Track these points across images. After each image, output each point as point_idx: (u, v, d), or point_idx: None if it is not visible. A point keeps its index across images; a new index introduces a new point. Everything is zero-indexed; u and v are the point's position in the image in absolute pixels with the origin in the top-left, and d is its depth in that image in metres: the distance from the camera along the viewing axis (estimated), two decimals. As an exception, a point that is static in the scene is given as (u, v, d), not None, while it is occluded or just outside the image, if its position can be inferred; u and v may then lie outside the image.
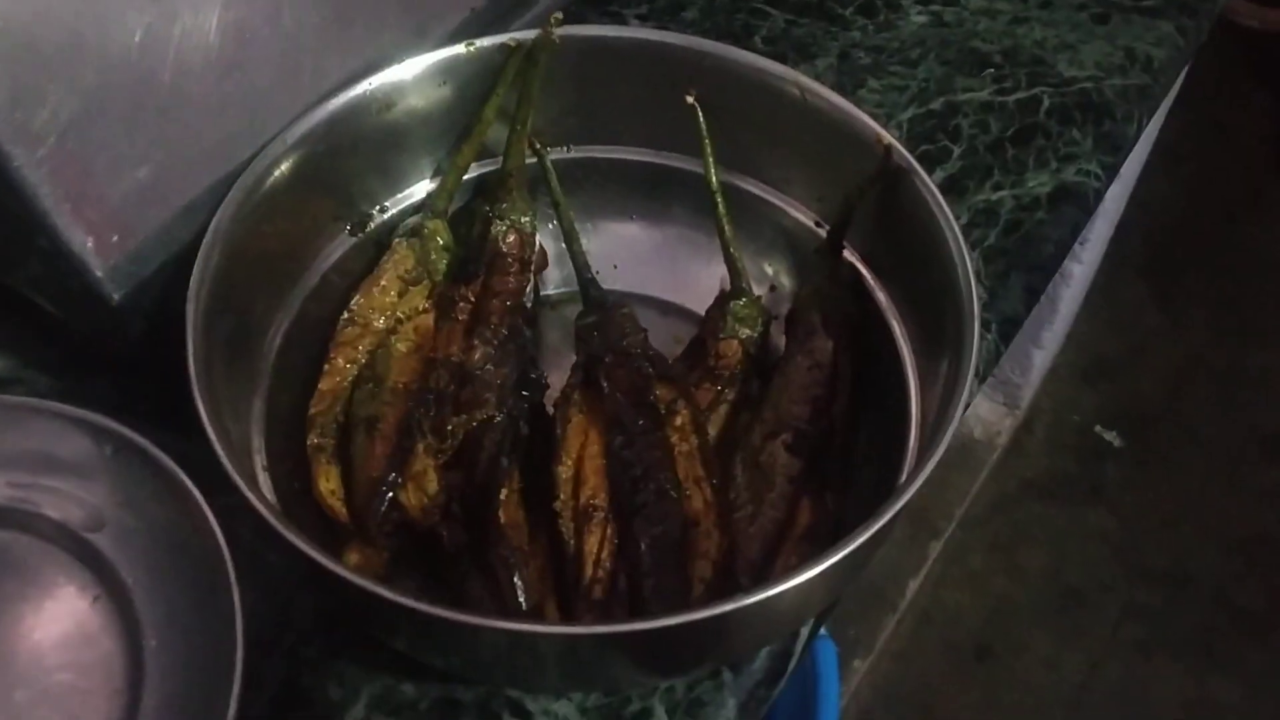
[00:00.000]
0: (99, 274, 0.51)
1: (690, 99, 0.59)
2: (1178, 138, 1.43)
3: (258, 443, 0.54)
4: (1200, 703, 1.44)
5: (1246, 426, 1.66)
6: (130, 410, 0.61)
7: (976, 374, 0.49)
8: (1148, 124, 0.74)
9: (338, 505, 0.54)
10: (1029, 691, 1.44)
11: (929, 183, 0.54)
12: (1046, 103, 0.73)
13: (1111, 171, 0.70)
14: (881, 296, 0.58)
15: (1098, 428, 1.67)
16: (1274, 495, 1.60)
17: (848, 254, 0.59)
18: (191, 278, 0.49)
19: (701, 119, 0.59)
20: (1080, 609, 1.51)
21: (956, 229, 0.53)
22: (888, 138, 0.55)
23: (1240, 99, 1.99)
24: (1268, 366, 1.72)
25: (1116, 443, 1.66)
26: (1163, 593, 1.52)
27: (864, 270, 0.59)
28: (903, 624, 1.48)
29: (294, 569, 0.46)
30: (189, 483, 0.46)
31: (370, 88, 0.57)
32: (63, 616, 0.46)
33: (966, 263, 0.51)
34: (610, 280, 0.64)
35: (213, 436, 0.44)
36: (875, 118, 0.70)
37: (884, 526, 0.45)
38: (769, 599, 0.42)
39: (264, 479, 0.52)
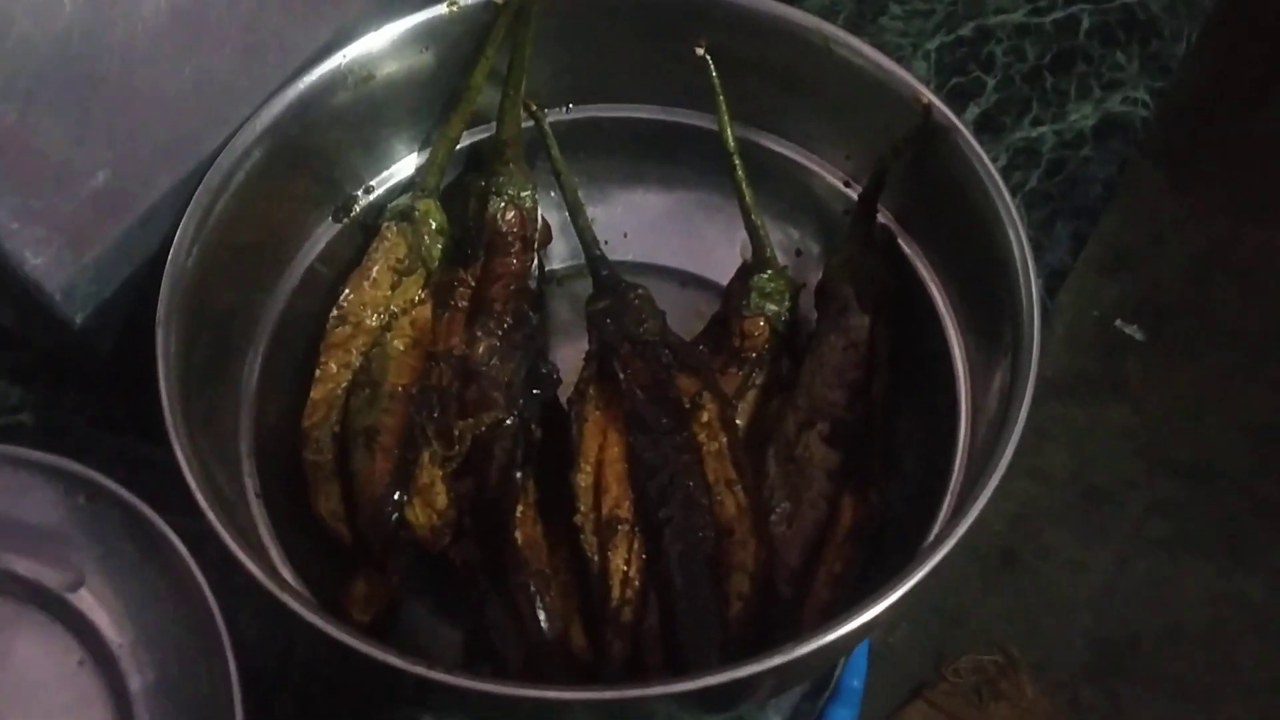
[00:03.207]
0: (56, 296, 0.46)
1: (701, 50, 0.53)
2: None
3: (248, 465, 0.49)
4: (1226, 597, 1.42)
5: (1269, 315, 1.62)
6: (109, 421, 0.57)
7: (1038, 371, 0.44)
8: (1195, 41, 0.67)
9: (340, 527, 0.50)
10: (1056, 594, 1.42)
11: (972, 141, 0.49)
12: (1086, 22, 0.66)
13: (1160, 98, 0.64)
14: (920, 263, 0.54)
15: (1118, 322, 1.63)
16: (1297, 385, 1.56)
17: (881, 217, 0.54)
18: (159, 300, 0.44)
19: (714, 72, 0.54)
20: (1104, 508, 1.48)
21: (1007, 195, 0.47)
22: (927, 95, 0.49)
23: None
24: (1290, 254, 1.66)
25: (1138, 336, 1.62)
26: (1186, 488, 1.49)
27: (899, 233, 0.54)
28: (925, 533, 1.46)
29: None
30: (171, 534, 0.41)
31: (345, 60, 0.52)
32: (47, 686, 0.42)
33: (1021, 235, 0.46)
34: (621, 250, 0.59)
35: (199, 494, 0.40)
36: (899, 49, 0.64)
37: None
38: (820, 647, 0.38)
39: (257, 506, 0.48)
